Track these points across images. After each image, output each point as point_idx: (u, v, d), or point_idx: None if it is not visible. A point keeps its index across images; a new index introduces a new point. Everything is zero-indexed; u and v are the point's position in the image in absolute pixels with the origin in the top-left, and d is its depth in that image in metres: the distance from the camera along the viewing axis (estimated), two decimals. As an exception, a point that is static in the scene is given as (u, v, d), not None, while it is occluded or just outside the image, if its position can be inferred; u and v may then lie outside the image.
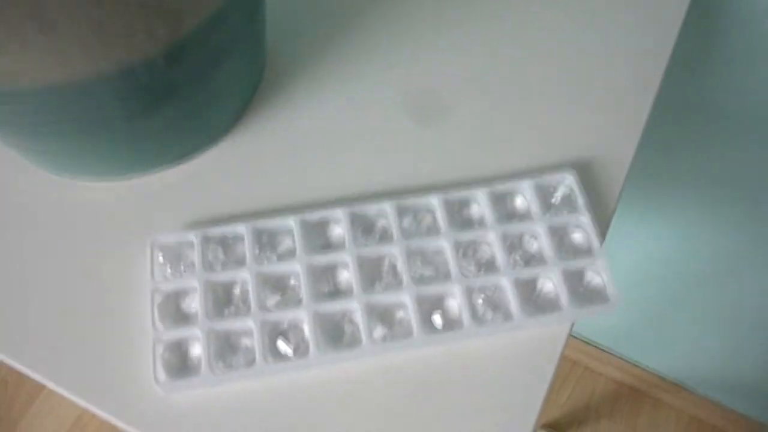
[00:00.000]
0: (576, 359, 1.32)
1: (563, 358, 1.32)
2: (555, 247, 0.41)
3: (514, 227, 0.41)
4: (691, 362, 1.18)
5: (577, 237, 0.42)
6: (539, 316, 0.39)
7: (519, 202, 0.43)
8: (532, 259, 0.41)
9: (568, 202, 0.43)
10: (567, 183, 0.43)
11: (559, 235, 0.42)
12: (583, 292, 0.40)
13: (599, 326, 1.23)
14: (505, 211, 0.43)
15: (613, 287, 0.40)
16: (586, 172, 0.45)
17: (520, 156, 0.45)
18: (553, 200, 0.43)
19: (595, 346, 1.29)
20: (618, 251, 0.99)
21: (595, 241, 0.41)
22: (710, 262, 0.92)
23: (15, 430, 1.33)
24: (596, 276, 0.40)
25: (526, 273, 0.40)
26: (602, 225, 0.43)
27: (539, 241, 0.41)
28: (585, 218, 0.42)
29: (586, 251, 0.41)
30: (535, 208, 0.42)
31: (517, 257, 0.41)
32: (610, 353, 1.29)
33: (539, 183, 0.43)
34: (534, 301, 0.40)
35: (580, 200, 0.42)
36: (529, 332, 0.39)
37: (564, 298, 0.39)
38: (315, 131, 0.47)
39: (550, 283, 0.40)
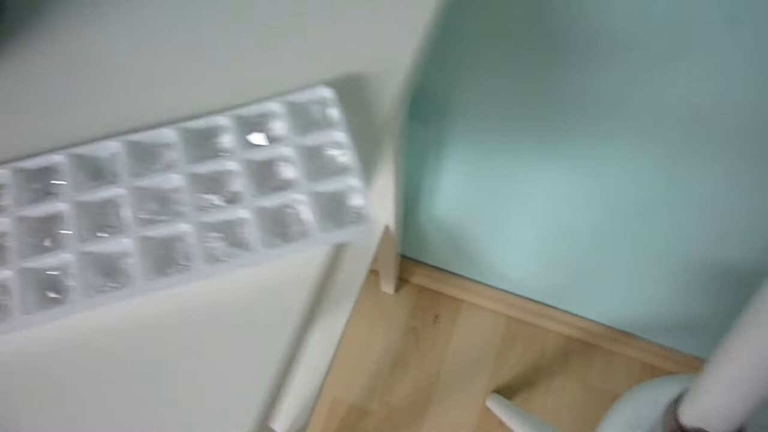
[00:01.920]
0: (522, 318, 1.28)
1: (509, 318, 1.27)
2: (307, 170, 0.36)
3: (263, 152, 0.37)
4: (632, 310, 1.14)
5: (334, 157, 0.37)
6: (285, 246, 0.34)
7: (271, 125, 0.38)
8: (283, 186, 0.36)
9: (323, 120, 0.38)
10: (321, 99, 0.38)
11: (313, 157, 0.37)
12: (336, 215, 0.36)
13: (540, 284, 1.18)
14: (260, 137, 0.38)
15: (369, 208, 0.35)
16: (351, 90, 0.40)
17: (274, 78, 0.40)
18: (306, 120, 0.38)
19: (540, 303, 1.25)
20: (541, 201, 0.94)
21: (351, 161, 0.36)
22: (630, 202, 0.87)
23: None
24: (353, 197, 0.36)
25: (271, 201, 0.35)
26: (375, 146, 0.38)
27: (292, 165, 0.37)
28: (341, 136, 0.37)
29: (342, 172, 0.36)
30: (285, 130, 0.37)
31: (267, 187, 0.36)
32: (555, 309, 1.24)
33: (290, 102, 0.38)
34: (282, 231, 0.35)
35: (338, 117, 0.38)
36: (283, 266, 0.35)
37: (313, 223, 0.34)
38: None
39: (303, 209, 0.36)
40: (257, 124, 0.38)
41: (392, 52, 0.41)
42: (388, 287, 1.26)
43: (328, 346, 0.92)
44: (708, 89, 0.62)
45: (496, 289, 1.25)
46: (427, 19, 0.42)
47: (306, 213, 0.35)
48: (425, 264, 1.26)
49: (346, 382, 1.22)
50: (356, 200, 0.36)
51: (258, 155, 0.37)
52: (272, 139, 0.38)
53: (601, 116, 0.73)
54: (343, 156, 0.37)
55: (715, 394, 0.55)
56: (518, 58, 0.68)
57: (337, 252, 0.36)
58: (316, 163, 0.37)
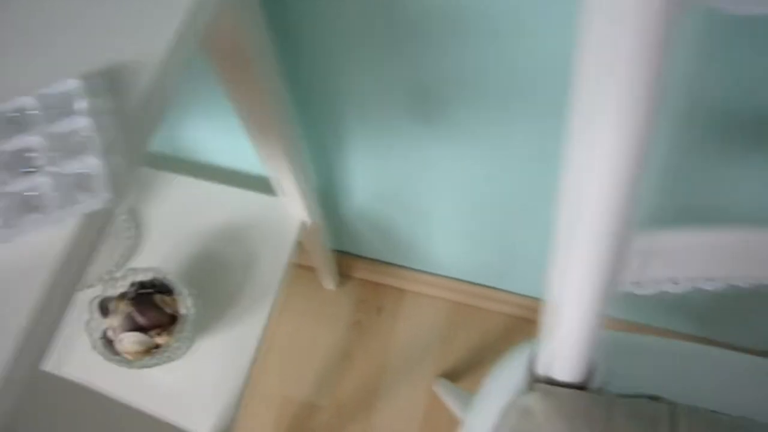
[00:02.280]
0: (464, 301, 1.29)
1: (451, 303, 1.28)
2: (54, 155, 0.39)
3: (13, 143, 0.40)
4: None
5: (80, 142, 0.40)
6: (26, 225, 0.37)
7: (24, 118, 0.41)
8: (32, 172, 0.39)
9: (73, 109, 0.41)
10: (72, 90, 0.41)
11: (61, 143, 0.40)
12: (76, 193, 0.38)
13: (476, 266, 1.19)
14: (13, 130, 0.41)
15: (106, 183, 0.38)
16: (105, 79, 0.42)
17: (28, 74, 0.43)
18: (57, 110, 0.41)
19: (480, 285, 1.26)
20: (453, 182, 0.96)
21: (94, 143, 0.39)
22: (535, 174, 0.88)
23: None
24: (94, 176, 0.39)
25: (18, 186, 0.38)
26: (131, 130, 0.41)
27: (41, 152, 0.40)
28: (88, 121, 0.40)
29: (84, 154, 0.39)
30: (37, 120, 0.40)
31: (17, 174, 0.39)
32: (495, 289, 1.25)
33: (42, 95, 0.41)
34: (28, 213, 0.38)
35: (87, 106, 0.40)
36: (29, 244, 0.38)
37: (54, 202, 0.37)
38: None
39: (46, 190, 0.38)
40: (12, 118, 0.41)
41: (147, 41, 0.43)
42: (329, 283, 1.29)
43: (248, 342, 0.94)
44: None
45: (436, 275, 1.26)
46: (185, 6, 0.45)
47: (48, 194, 0.38)
48: (364, 258, 1.28)
49: (294, 380, 1.24)
50: (96, 178, 0.38)
51: (9, 146, 0.39)
52: (25, 131, 0.40)
53: (486, 91, 0.74)
54: (88, 140, 0.39)
55: (552, 341, 0.57)
56: (391, 44, 0.69)
57: (84, 228, 0.39)
58: (63, 148, 0.39)
